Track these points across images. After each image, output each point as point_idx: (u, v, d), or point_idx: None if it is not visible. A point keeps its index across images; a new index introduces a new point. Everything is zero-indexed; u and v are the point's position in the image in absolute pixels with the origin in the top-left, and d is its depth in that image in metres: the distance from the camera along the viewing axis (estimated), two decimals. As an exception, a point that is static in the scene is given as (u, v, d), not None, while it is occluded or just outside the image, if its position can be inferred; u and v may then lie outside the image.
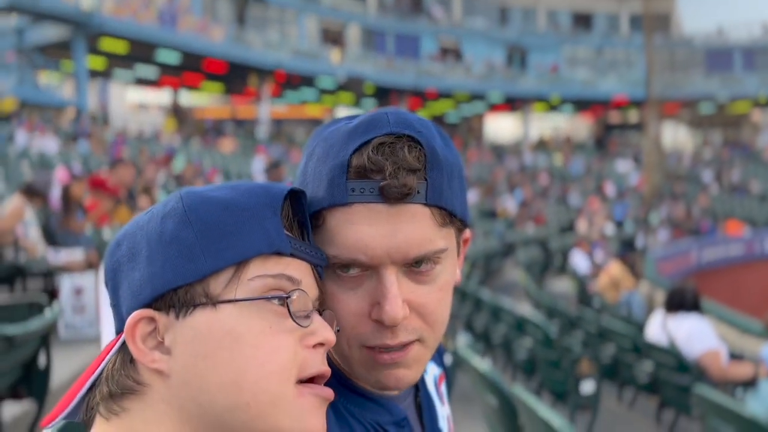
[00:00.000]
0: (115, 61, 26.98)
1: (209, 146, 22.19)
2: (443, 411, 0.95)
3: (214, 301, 0.64)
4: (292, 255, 0.68)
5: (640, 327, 6.03)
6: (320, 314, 0.71)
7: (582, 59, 36.76)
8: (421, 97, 33.16)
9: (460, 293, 7.63)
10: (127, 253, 0.67)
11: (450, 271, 0.77)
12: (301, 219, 0.74)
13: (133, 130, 23.25)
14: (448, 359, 4.52)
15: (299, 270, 0.68)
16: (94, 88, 29.80)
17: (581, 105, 37.58)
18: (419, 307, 0.74)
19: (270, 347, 0.64)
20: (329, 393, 0.69)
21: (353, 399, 0.80)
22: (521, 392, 2.18)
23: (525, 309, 7.05)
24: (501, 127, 42.44)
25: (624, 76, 35.50)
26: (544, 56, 35.90)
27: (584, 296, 9.87)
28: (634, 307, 9.02)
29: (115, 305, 0.68)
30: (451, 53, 34.86)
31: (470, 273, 9.49)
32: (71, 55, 22.98)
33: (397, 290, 0.71)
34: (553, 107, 37.57)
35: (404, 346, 0.74)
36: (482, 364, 2.65)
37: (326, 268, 0.73)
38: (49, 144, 13.77)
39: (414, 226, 0.71)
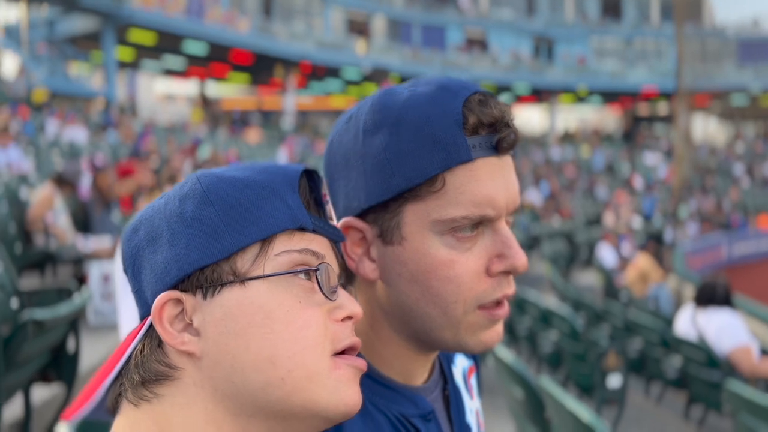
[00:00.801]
0: (144, 52, 27.31)
1: (235, 136, 22.35)
2: (472, 405, 0.93)
3: (242, 279, 0.63)
4: (314, 231, 0.68)
5: (668, 321, 5.95)
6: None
7: (610, 50, 36.19)
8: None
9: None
10: (146, 237, 0.66)
11: None
12: (316, 197, 0.73)
13: (162, 121, 23.51)
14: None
15: (322, 245, 0.68)
16: (122, 79, 30.17)
17: (609, 96, 37.07)
18: None
19: (302, 321, 0.63)
20: (362, 363, 0.68)
21: (378, 391, 0.79)
22: (548, 384, 2.15)
23: (551, 302, 6.98)
24: (527, 119, 42.05)
25: (654, 67, 34.92)
26: (572, 47, 35.44)
27: (611, 290, 9.77)
28: (662, 301, 8.91)
29: (138, 291, 0.67)
30: (477, 44, 34.60)
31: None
32: (101, 46, 23.30)
33: None
34: (580, 99, 37.12)
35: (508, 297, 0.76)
36: (508, 355, 2.62)
37: (442, 234, 0.73)
38: (78, 134, 13.97)
39: (514, 176, 0.76)
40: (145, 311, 0.66)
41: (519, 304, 6.39)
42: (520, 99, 37.26)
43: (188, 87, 37.22)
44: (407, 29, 33.47)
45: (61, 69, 22.34)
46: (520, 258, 0.73)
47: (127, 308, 1.85)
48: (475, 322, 0.75)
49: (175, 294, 0.63)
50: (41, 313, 2.67)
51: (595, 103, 39.44)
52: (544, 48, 35.75)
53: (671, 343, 4.94)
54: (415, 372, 0.83)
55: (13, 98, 16.06)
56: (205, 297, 0.63)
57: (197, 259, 0.63)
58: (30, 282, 5.31)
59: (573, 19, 36.92)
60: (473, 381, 0.98)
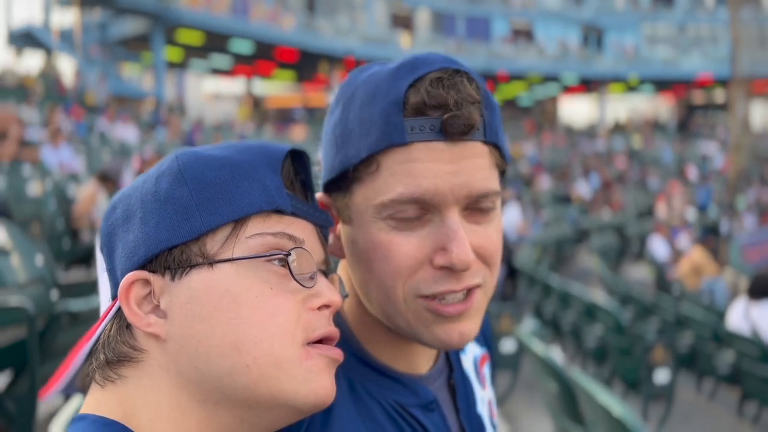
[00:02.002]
0: (191, 52, 27.92)
1: (281, 134, 22.64)
2: (484, 395, 0.89)
3: (210, 261, 0.61)
4: (293, 214, 0.65)
5: (720, 315, 5.74)
6: (326, 277, 0.68)
7: (663, 37, 35.10)
8: (492, 80, 32.59)
9: (529, 278, 7.44)
10: (121, 215, 0.66)
11: (500, 216, 0.73)
12: (303, 179, 0.71)
13: (209, 119, 23.98)
14: (512, 345, 4.39)
15: (301, 230, 0.66)
16: (171, 79, 30.89)
17: (662, 85, 36.04)
18: (480, 249, 0.69)
19: (272, 308, 0.61)
20: (338, 353, 0.66)
21: (372, 377, 0.75)
22: (580, 377, 2.06)
23: (599, 296, 6.81)
24: (576, 110, 41.25)
25: (709, 54, 33.75)
26: (623, 35, 34.54)
27: (663, 283, 9.50)
28: (717, 295, 8.60)
29: (111, 269, 0.66)
30: (523, 35, 34.09)
31: (540, 258, 9.26)
32: (150, 47, 23.93)
33: (464, 232, 0.67)
34: (631, 88, 36.19)
35: (469, 293, 0.69)
36: (543, 349, 2.53)
37: (383, 218, 0.68)
38: (129, 133, 14.37)
39: (476, 163, 0.68)
40: (116, 291, 0.65)
41: (563, 298, 6.25)
42: (568, 89, 36.57)
43: (235, 86, 37.86)
44: (451, 22, 33.21)
45: (114, 71, 23.02)
46: (458, 255, 0.65)
47: (105, 288, 1.87)
48: (420, 313, 0.69)
49: (143, 274, 0.62)
50: (75, 304, 2.72)
51: (647, 92, 38.37)
52: (593, 37, 34.92)
53: (723, 338, 4.75)
54: (415, 359, 0.78)
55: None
56: (173, 278, 0.62)
57: (166, 239, 0.62)
58: (77, 276, 5.47)
59: (623, 6, 35.91)
60: (486, 370, 0.93)
